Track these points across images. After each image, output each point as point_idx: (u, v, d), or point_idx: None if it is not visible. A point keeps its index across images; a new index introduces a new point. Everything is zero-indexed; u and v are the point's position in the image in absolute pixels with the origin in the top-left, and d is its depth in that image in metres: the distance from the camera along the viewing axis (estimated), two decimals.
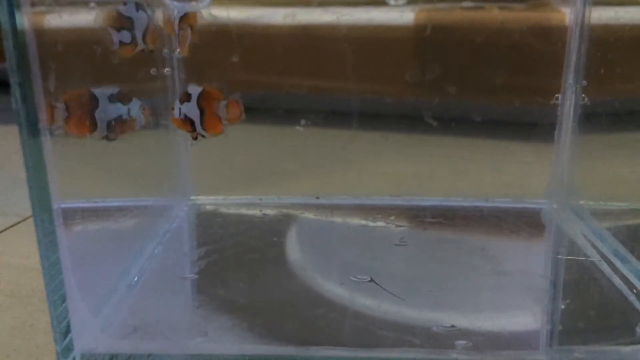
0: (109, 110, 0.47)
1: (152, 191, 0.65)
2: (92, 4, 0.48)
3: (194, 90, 0.50)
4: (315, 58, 0.73)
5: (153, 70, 0.61)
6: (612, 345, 0.45)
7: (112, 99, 0.47)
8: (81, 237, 0.48)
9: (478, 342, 0.44)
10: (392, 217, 0.67)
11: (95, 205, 0.53)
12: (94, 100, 0.46)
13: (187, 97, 0.50)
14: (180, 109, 0.50)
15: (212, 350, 0.45)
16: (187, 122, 0.51)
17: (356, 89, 0.71)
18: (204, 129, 0.51)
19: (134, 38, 0.47)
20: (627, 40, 0.61)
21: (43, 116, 0.40)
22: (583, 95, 0.65)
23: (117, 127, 0.48)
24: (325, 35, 0.71)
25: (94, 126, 0.46)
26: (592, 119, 0.65)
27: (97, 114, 0.46)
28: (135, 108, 0.49)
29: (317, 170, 0.73)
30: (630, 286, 0.52)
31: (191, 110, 0.50)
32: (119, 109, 0.48)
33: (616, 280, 0.53)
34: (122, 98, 0.48)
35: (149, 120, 0.52)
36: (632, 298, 0.50)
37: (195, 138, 0.51)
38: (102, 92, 0.46)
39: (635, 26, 0.59)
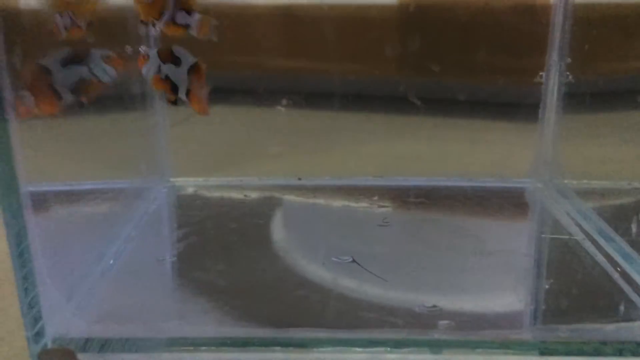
0: (65, 76, 0.43)
1: (130, 173, 0.63)
2: None
3: (184, 56, 0.45)
4: (297, 38, 0.72)
5: (128, 48, 0.59)
6: (596, 324, 0.45)
7: (64, 63, 0.43)
8: (53, 221, 0.46)
9: (461, 322, 0.44)
10: (375, 198, 0.66)
11: (69, 188, 0.51)
12: (47, 72, 0.42)
13: (172, 58, 0.45)
14: (160, 66, 0.45)
15: (189, 333, 0.44)
16: (167, 83, 0.46)
17: (338, 69, 0.70)
18: (189, 100, 0.46)
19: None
20: (612, 18, 0.60)
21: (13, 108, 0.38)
22: (567, 73, 0.64)
23: (82, 90, 0.44)
24: (308, 15, 0.69)
25: (58, 98, 0.42)
26: (576, 97, 0.64)
27: (57, 84, 0.42)
28: (96, 62, 0.44)
29: (299, 151, 0.71)
30: (614, 264, 0.51)
31: (178, 75, 0.45)
32: (77, 70, 0.43)
33: (600, 258, 0.53)
34: (76, 57, 0.43)
35: (122, 69, 0.46)
36: (616, 276, 0.50)
37: (175, 102, 0.46)
38: (50, 60, 0.42)
39: (620, 4, 0.59)
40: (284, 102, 0.68)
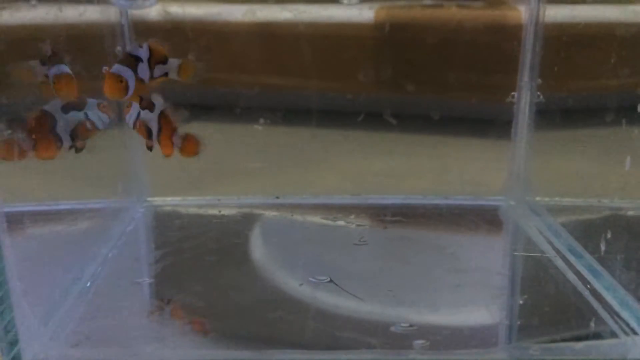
0: (66, 122, 0.45)
1: (106, 192, 0.63)
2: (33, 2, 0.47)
3: (158, 101, 0.48)
4: (275, 55, 0.72)
5: (104, 68, 0.59)
6: (566, 342, 0.46)
7: (65, 109, 0.46)
8: (29, 243, 0.46)
9: (436, 341, 0.45)
10: (353, 216, 0.66)
11: (44, 208, 0.51)
12: (51, 118, 0.45)
13: (150, 106, 0.47)
14: (139, 113, 0.48)
15: (168, 357, 0.44)
16: (145, 129, 0.49)
17: (315, 87, 0.71)
18: (158, 143, 0.49)
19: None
20: (580, 39, 0.62)
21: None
22: (538, 93, 0.66)
23: (80, 134, 0.47)
24: (285, 33, 0.70)
25: (59, 143, 0.45)
26: (547, 116, 0.66)
27: (58, 129, 0.45)
28: (92, 109, 0.47)
29: (276, 170, 0.72)
30: (584, 282, 0.53)
31: (151, 120, 0.48)
32: (76, 116, 0.46)
33: (571, 276, 0.54)
34: (75, 104, 0.46)
35: (113, 115, 0.50)
36: (586, 293, 0.51)
37: (151, 148, 0.49)
38: (53, 106, 0.45)
39: (588, 24, 0.61)
40: (262, 121, 0.69)
